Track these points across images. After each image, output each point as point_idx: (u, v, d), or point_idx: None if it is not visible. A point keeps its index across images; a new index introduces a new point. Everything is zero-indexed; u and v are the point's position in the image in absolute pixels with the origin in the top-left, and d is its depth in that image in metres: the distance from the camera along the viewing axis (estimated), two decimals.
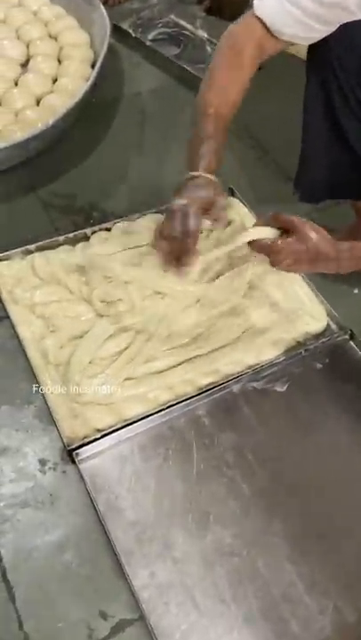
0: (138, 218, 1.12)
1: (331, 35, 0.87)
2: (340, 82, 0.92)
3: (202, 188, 0.83)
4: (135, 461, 0.86)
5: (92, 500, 0.82)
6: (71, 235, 1.08)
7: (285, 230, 0.81)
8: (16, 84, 1.35)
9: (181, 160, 1.27)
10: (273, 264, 0.82)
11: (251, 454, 0.88)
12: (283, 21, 0.84)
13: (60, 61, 1.41)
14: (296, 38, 0.87)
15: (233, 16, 1.62)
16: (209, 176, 0.84)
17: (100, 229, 1.10)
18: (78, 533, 0.80)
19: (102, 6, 1.43)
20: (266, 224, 0.83)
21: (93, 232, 1.09)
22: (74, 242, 1.08)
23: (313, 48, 0.94)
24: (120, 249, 1.05)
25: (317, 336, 1.00)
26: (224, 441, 0.89)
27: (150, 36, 1.53)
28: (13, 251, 1.04)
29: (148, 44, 1.50)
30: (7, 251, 1.04)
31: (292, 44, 0.90)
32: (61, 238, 1.08)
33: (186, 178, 0.85)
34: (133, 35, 1.51)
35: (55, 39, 1.46)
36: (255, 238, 0.82)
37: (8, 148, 1.12)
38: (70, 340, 0.94)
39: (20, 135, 1.16)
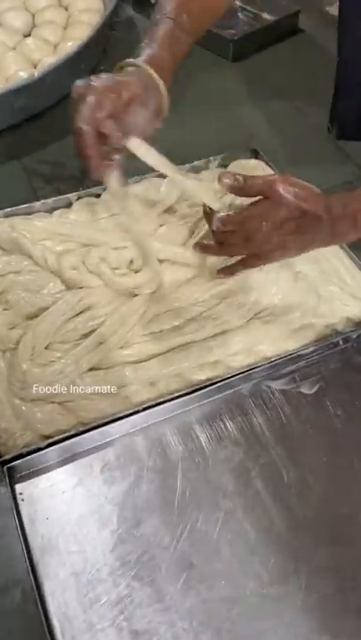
0: (135, 182, 0.90)
1: None
2: None
3: (125, 76, 0.61)
4: (93, 484, 0.61)
5: (24, 537, 0.57)
6: (50, 200, 0.87)
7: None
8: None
9: (196, 126, 1.09)
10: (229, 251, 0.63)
11: (260, 481, 0.61)
12: None
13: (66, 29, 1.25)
14: None
15: None
16: (143, 65, 0.61)
17: (88, 195, 0.89)
18: (0, 589, 0.55)
19: None
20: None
21: (79, 198, 0.88)
22: (53, 210, 0.87)
23: None
24: (106, 215, 0.83)
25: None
26: (223, 460, 0.62)
27: None
28: None
29: None
30: None
31: None
32: (38, 204, 0.87)
33: (116, 66, 0.63)
34: (153, 1, 1.34)
35: (65, 9, 1.30)
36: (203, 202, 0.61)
37: None
38: (26, 320, 0.71)
39: None
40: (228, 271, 0.68)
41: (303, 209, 0.58)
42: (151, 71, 0.61)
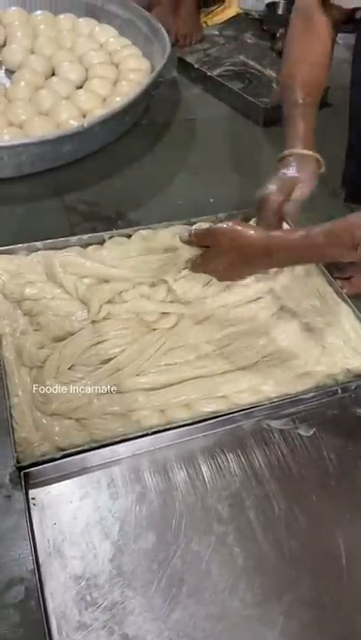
0: (164, 227, 0.98)
1: None
2: None
3: (288, 167, 0.79)
4: (99, 497, 0.66)
5: (33, 539, 0.62)
6: (85, 237, 0.96)
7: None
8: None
9: (223, 182, 1.18)
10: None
11: (253, 511, 0.66)
12: None
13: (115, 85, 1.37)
14: None
15: None
16: (298, 151, 0.79)
17: (120, 235, 0.97)
18: (5, 584, 0.60)
19: (168, 40, 1.39)
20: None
21: (111, 237, 0.96)
22: (87, 245, 0.95)
23: None
24: (135, 254, 0.91)
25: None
26: (220, 488, 0.68)
27: (215, 72, 1.46)
28: (18, 245, 0.93)
29: (209, 74, 1.43)
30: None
31: None
32: (74, 239, 0.95)
33: (277, 160, 0.81)
34: (196, 66, 1.46)
35: (116, 66, 1.43)
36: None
37: (35, 144, 1.05)
38: (53, 342, 0.78)
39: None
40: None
41: (242, 254, 0.70)
42: (305, 151, 0.79)
